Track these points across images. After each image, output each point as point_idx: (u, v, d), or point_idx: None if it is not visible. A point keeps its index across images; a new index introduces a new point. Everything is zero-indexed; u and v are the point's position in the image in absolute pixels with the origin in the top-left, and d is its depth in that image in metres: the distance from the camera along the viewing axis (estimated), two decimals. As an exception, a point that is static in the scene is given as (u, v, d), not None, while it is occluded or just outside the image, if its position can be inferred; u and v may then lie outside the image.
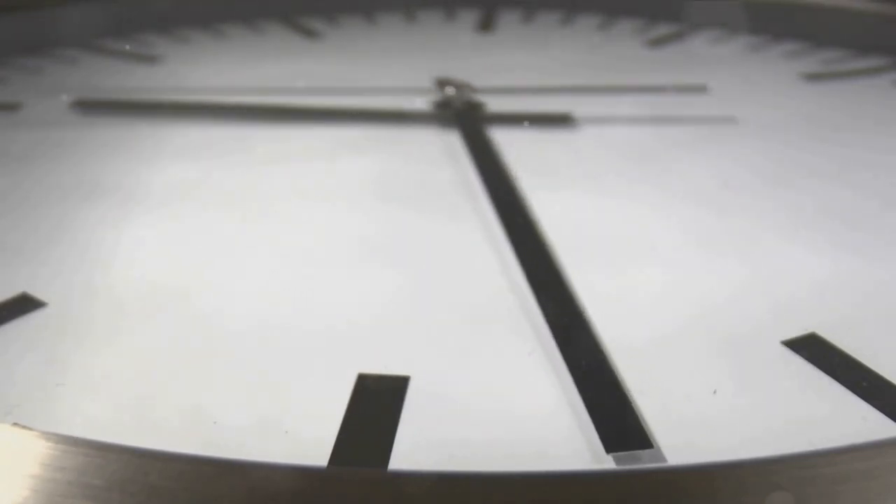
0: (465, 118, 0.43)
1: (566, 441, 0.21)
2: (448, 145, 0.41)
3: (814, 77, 0.52)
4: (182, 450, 0.16)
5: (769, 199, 0.35)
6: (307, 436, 0.21)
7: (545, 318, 0.25)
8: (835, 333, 0.25)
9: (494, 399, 0.22)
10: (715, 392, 0.22)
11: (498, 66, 0.55)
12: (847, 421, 0.21)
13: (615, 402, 0.22)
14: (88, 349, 0.24)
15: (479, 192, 0.35)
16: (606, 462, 0.20)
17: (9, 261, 0.29)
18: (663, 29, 0.65)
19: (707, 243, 0.31)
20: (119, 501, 0.15)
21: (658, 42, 0.62)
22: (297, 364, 0.24)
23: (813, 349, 0.24)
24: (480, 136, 0.41)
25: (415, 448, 0.20)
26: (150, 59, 0.57)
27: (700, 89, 0.48)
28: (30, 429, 0.17)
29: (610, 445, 0.20)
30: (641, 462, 0.20)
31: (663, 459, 0.20)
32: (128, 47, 0.58)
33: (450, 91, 0.45)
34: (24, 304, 0.27)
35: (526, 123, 0.43)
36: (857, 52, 0.56)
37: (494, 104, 0.45)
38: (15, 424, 0.17)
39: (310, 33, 0.65)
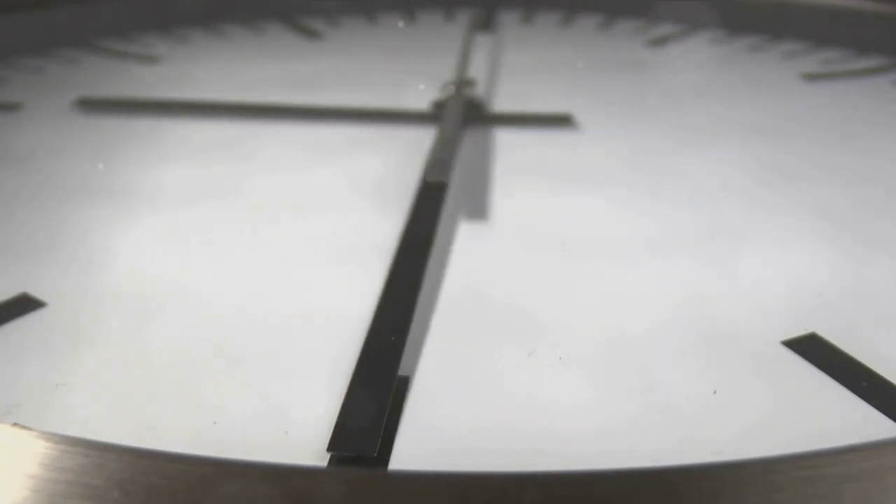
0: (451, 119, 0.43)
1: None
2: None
3: (814, 77, 0.52)
4: (182, 450, 0.16)
5: (770, 200, 0.35)
6: (307, 436, 0.21)
7: (371, 322, 0.25)
8: (835, 333, 0.25)
9: (493, 398, 0.22)
10: (715, 392, 0.22)
11: (498, 66, 0.55)
12: (847, 421, 0.21)
13: (368, 411, 0.21)
14: (88, 349, 0.24)
15: (475, 192, 0.35)
16: (324, 459, 0.20)
17: (9, 261, 0.29)
18: (663, 29, 0.65)
19: (707, 244, 0.31)
20: (119, 501, 0.15)
21: (658, 42, 0.62)
22: (298, 364, 0.24)
23: (813, 349, 0.24)
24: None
25: (415, 448, 0.20)
26: (150, 59, 0.57)
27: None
28: (30, 429, 0.17)
29: (332, 445, 0.20)
30: (360, 467, 0.20)
31: (384, 467, 0.20)
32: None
33: (450, 91, 0.45)
34: (24, 304, 0.27)
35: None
36: (857, 52, 0.57)
37: (494, 105, 0.45)
38: (15, 424, 0.17)
39: (310, 33, 0.65)
